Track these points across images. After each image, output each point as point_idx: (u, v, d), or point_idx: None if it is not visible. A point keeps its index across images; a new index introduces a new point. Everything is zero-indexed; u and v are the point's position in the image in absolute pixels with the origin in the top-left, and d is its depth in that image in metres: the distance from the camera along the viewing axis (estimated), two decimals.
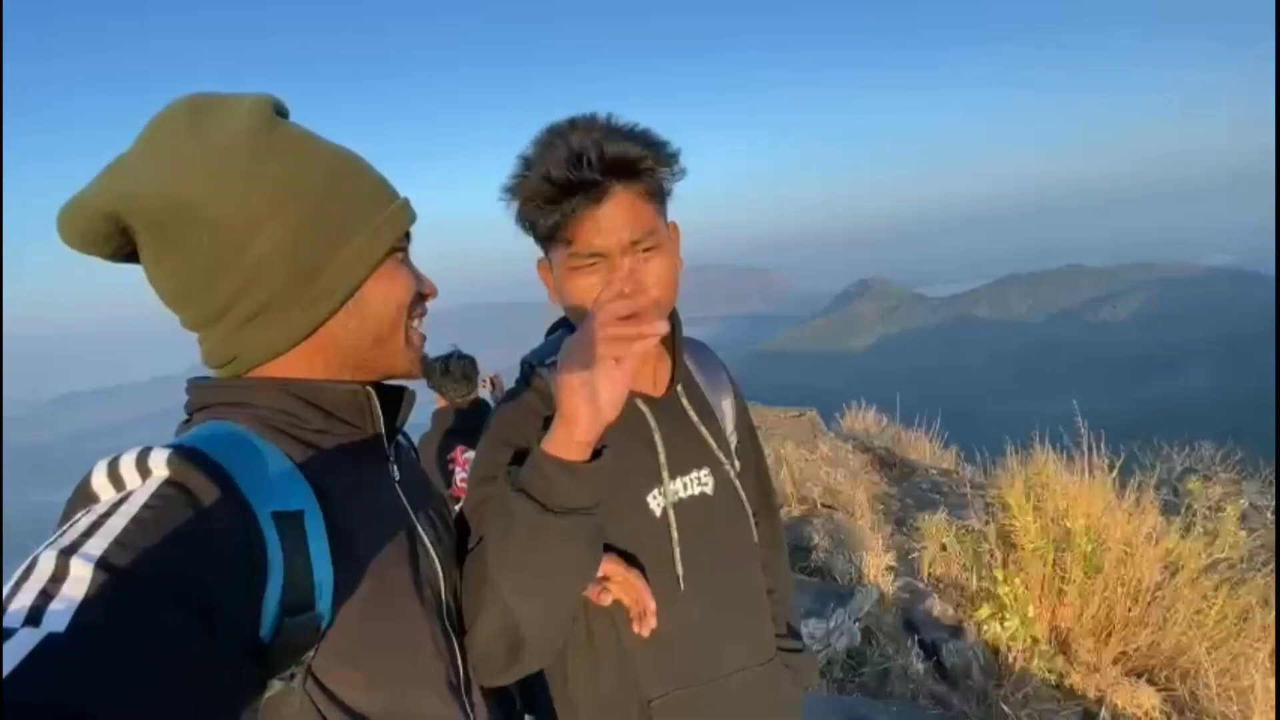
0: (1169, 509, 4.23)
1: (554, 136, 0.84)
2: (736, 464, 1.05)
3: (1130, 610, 3.30)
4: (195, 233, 0.63)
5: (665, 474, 0.95)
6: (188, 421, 0.68)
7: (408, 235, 0.76)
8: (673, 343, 1.00)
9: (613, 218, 0.84)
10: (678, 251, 0.94)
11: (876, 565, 3.65)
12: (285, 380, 0.68)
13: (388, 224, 0.71)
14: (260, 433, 0.65)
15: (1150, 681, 3.17)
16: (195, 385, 0.70)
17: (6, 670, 0.40)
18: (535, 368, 0.99)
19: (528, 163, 0.86)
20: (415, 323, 0.77)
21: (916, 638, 3.29)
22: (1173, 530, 3.74)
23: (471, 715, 0.76)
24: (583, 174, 0.81)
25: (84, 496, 0.54)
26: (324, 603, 0.61)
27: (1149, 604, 3.31)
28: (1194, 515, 4.12)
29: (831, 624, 3.05)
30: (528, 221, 0.90)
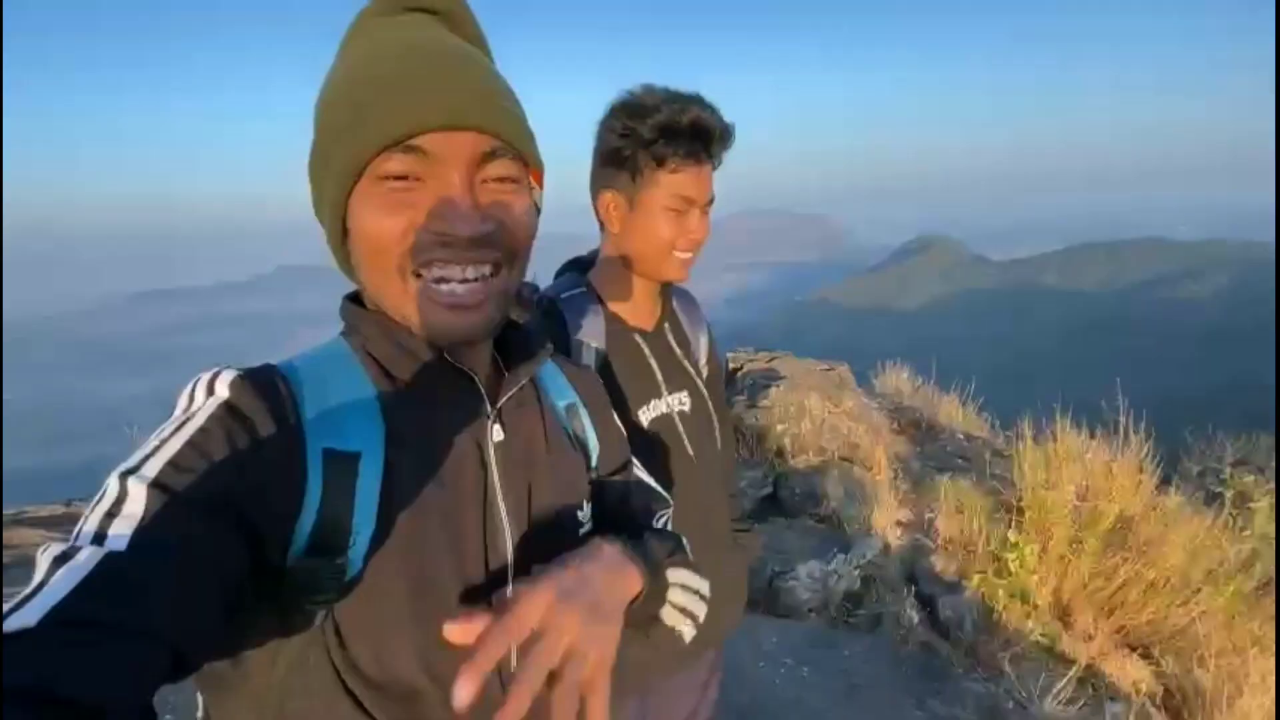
0: (1211, 499, 4.15)
1: (684, 101, 1.07)
2: (706, 391, 1.30)
3: (1146, 597, 3.30)
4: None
5: (664, 386, 1.21)
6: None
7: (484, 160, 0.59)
8: (664, 289, 1.25)
9: (709, 178, 1.13)
10: None
11: (886, 519, 3.73)
12: (384, 317, 0.64)
13: (371, 130, 0.57)
14: (365, 364, 0.64)
15: (1144, 657, 3.22)
16: (343, 301, 0.69)
17: (70, 586, 0.43)
18: (554, 301, 1.15)
19: (658, 105, 1.06)
20: (432, 269, 0.59)
21: (915, 589, 3.39)
22: (1201, 519, 3.68)
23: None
24: (709, 138, 1.08)
25: (174, 409, 0.57)
26: (357, 550, 0.57)
27: (1163, 588, 3.30)
28: (1225, 506, 4.03)
29: (830, 566, 3.17)
30: (646, 148, 1.07)
